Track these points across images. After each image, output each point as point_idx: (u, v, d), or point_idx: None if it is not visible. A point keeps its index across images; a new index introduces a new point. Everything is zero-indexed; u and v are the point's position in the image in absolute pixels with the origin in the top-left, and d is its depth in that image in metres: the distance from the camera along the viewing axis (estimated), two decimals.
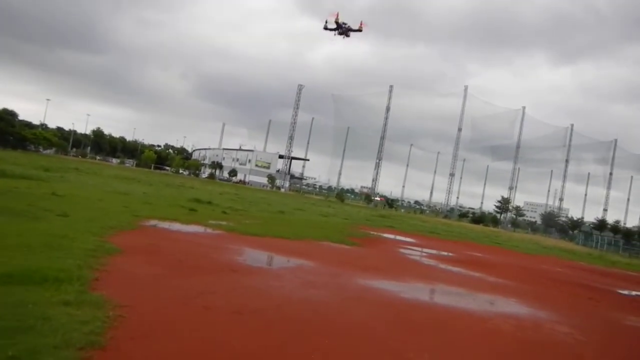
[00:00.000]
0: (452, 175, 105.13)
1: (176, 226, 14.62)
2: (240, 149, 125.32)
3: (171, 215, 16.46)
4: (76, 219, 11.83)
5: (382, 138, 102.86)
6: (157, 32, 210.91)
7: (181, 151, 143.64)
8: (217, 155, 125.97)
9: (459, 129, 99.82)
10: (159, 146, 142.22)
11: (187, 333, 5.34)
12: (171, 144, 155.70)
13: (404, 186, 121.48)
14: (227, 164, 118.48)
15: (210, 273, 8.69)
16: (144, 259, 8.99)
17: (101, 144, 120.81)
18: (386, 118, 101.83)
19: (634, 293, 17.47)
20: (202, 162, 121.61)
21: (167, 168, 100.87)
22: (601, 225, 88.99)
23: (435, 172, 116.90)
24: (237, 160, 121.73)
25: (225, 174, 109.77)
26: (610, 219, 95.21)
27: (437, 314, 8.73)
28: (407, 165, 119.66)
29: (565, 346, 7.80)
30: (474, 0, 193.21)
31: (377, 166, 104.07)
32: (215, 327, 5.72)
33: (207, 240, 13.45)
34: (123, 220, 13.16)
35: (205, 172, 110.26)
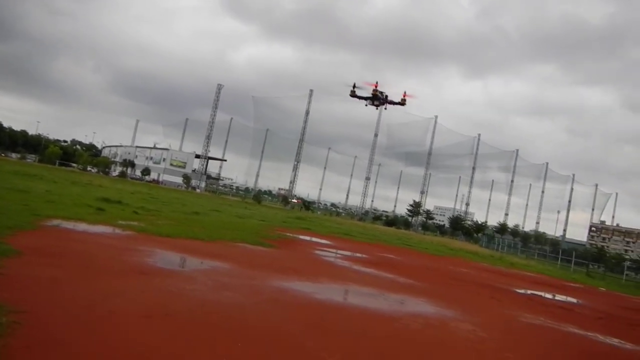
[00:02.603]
0: (367, 179, 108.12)
1: (82, 226, 13.82)
2: (154, 147, 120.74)
3: (76, 215, 15.52)
4: None
5: (301, 141, 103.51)
6: (69, 22, 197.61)
7: (90, 148, 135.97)
8: (129, 153, 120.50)
9: (375, 135, 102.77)
10: (65, 141, 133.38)
11: (91, 339, 5.06)
12: (79, 139, 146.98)
13: (321, 189, 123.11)
14: (140, 162, 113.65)
15: (117, 276, 8.30)
16: (44, 261, 8.41)
17: None
18: (305, 121, 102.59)
19: (529, 292, 18.84)
20: (112, 159, 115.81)
21: (74, 165, 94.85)
22: (502, 228, 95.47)
23: (351, 175, 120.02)
24: (151, 159, 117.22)
25: (138, 173, 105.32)
26: (511, 223, 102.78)
27: (350, 314, 8.92)
28: (325, 169, 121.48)
29: (468, 342, 8.26)
30: (395, 13, 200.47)
31: (295, 168, 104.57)
32: (121, 332, 5.46)
33: (115, 241, 12.82)
34: (22, 220, 12.23)
35: (116, 171, 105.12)
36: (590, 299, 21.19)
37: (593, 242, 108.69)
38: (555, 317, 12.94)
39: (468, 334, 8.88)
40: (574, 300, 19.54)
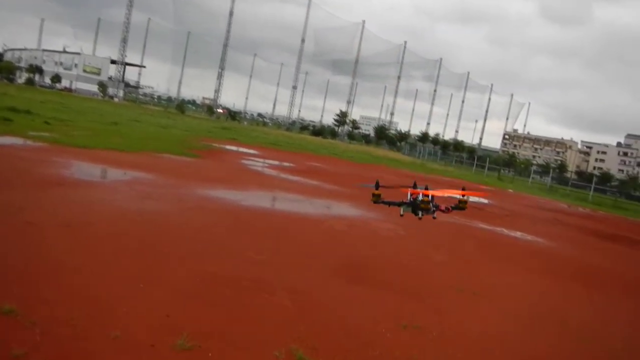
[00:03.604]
0: (294, 88, 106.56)
1: None
2: (64, 52, 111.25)
3: None
4: None
5: (225, 46, 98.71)
6: None
7: None
8: (35, 58, 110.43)
9: (303, 40, 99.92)
10: None
11: (7, 249, 4.89)
12: None
13: (247, 98, 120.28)
14: (49, 68, 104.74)
15: (32, 188, 7.90)
16: None
17: None
18: (229, 24, 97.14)
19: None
20: (17, 65, 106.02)
21: None
22: (424, 137, 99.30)
23: (278, 84, 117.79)
24: (61, 64, 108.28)
25: (48, 80, 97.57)
26: (432, 132, 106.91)
27: (277, 218, 9.18)
28: (251, 77, 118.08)
29: (388, 239, 8.85)
30: None
31: (220, 76, 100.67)
32: (40, 243, 5.30)
33: (26, 153, 12.07)
34: None
35: (22, 77, 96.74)
36: (499, 199, 22.98)
37: (505, 149, 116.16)
38: (467, 216, 13.96)
39: (389, 232, 9.46)
40: (485, 201, 21.09)
